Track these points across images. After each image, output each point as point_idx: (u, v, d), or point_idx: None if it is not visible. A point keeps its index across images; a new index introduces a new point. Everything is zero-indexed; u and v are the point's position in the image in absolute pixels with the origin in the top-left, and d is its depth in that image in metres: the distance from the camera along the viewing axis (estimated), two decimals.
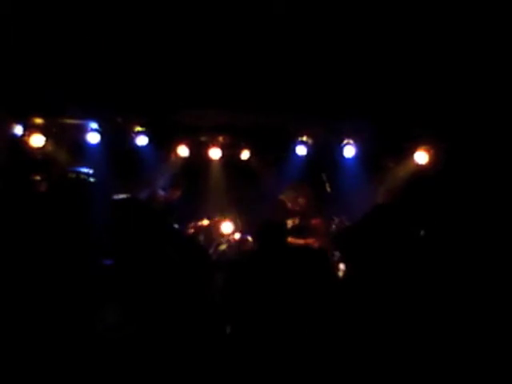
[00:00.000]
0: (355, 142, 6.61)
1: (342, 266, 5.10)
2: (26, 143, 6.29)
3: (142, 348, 3.46)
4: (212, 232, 6.23)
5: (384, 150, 6.66)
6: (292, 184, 6.41)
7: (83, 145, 6.50)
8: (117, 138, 6.65)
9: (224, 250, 5.78)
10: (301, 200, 6.19)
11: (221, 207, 6.60)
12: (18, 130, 6.26)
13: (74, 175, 5.31)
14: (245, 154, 7.00)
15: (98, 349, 3.50)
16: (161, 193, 5.87)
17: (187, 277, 3.88)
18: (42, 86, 5.61)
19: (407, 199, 5.85)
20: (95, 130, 6.41)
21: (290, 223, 6.19)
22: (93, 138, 6.41)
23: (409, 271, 3.97)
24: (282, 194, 6.39)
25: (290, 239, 6.09)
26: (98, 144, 6.46)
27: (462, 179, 6.02)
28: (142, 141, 6.53)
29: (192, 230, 5.97)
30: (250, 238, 6.01)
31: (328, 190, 6.32)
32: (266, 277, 3.77)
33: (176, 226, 5.39)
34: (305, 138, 6.68)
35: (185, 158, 6.96)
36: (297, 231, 6.12)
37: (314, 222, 6.10)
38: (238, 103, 5.93)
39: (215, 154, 6.83)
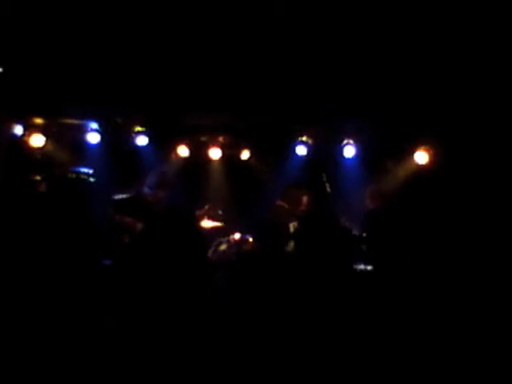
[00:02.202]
0: (355, 142, 6.60)
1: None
2: (26, 143, 6.28)
3: (142, 347, 3.47)
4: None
5: (384, 150, 6.65)
6: (291, 186, 6.36)
7: (83, 145, 6.50)
8: (117, 138, 6.65)
9: (224, 250, 5.77)
10: (302, 202, 6.15)
11: (220, 207, 6.58)
12: (18, 130, 6.26)
13: (73, 175, 5.31)
14: (245, 154, 6.99)
15: (97, 348, 3.51)
16: (146, 191, 5.78)
17: (187, 275, 3.88)
18: (41, 85, 5.62)
19: (404, 200, 5.85)
20: (95, 130, 6.41)
21: (291, 227, 6.16)
22: (93, 137, 6.41)
23: (409, 271, 3.97)
24: (281, 198, 6.33)
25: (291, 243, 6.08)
26: (98, 144, 6.46)
27: (462, 179, 6.02)
28: (141, 141, 6.53)
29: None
30: (250, 238, 6.00)
31: (328, 190, 6.29)
32: (263, 278, 3.78)
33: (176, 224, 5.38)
34: (305, 138, 6.67)
35: (185, 158, 6.96)
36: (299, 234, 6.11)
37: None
38: (237, 103, 5.93)
39: (215, 153, 6.82)
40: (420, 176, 6.49)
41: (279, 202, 6.26)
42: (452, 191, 6.05)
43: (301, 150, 6.66)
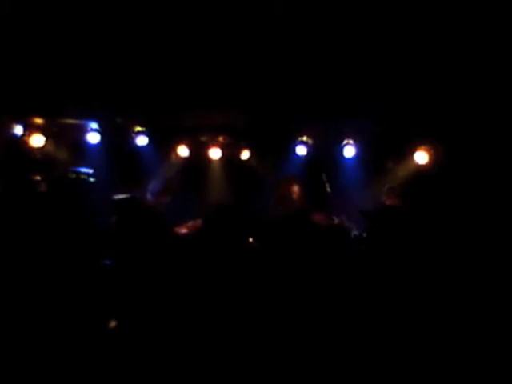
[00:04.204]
0: (355, 142, 6.61)
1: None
2: (26, 143, 6.29)
3: (141, 346, 3.47)
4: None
5: (384, 150, 6.65)
6: (280, 180, 6.31)
7: (83, 145, 6.50)
8: (117, 137, 6.65)
9: None
10: (294, 192, 6.09)
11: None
12: (18, 130, 6.26)
13: (74, 175, 5.31)
14: (245, 154, 7.00)
15: (97, 347, 3.51)
16: (149, 197, 5.76)
17: (184, 275, 3.88)
18: (41, 86, 5.61)
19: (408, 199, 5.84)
20: (95, 130, 6.42)
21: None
22: (93, 137, 6.42)
23: (411, 271, 3.96)
24: (273, 194, 6.27)
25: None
26: (98, 144, 6.47)
27: (462, 179, 6.02)
28: (141, 141, 6.54)
29: (185, 230, 5.88)
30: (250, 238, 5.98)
31: (328, 190, 6.29)
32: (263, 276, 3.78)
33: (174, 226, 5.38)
34: (305, 138, 6.67)
35: (185, 158, 6.96)
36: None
37: (315, 217, 5.98)
38: (237, 103, 5.93)
39: (215, 153, 6.83)
40: (420, 176, 6.49)
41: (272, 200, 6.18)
42: (452, 191, 6.05)
43: (301, 150, 6.66)
